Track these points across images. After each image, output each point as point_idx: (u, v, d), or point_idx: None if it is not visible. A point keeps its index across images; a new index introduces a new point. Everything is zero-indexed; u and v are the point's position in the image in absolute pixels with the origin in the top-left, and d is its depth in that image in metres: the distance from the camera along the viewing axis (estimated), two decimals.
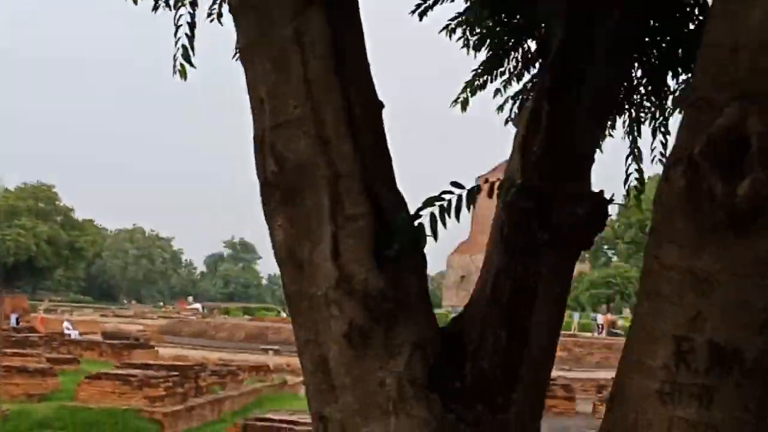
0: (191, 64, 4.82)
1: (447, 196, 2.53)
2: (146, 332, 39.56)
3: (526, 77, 4.91)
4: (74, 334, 39.57)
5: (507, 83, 5.16)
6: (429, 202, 2.50)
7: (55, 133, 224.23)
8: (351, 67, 2.59)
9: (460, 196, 2.54)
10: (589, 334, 57.20)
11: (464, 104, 5.41)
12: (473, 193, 2.60)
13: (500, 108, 5.36)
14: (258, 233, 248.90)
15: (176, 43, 4.93)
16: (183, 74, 4.78)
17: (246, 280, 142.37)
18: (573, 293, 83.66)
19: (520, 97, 5.07)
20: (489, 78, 5.14)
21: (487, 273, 2.70)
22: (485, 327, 2.61)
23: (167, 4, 4.99)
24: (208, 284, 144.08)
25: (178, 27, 4.93)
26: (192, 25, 4.87)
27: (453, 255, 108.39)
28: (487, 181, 2.91)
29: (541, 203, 2.60)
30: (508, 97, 5.33)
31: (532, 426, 2.69)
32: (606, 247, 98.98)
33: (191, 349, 37.28)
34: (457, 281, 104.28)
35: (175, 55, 4.92)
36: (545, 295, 2.64)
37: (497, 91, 5.24)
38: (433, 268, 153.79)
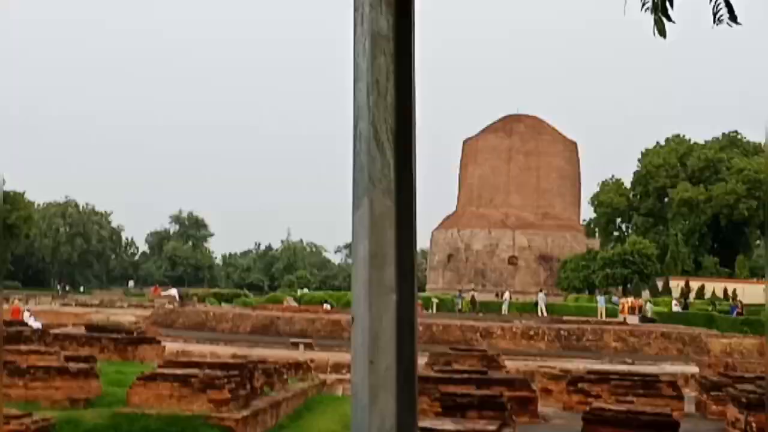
0: (670, 19, 4.54)
1: None
2: (139, 324, 38.91)
3: None
4: (36, 326, 38.86)
5: None
6: None
7: None
8: None
9: None
10: (618, 319, 57.39)
11: None
12: None
13: None
14: (209, 206, 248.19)
15: None
16: (662, 31, 4.50)
17: (197, 261, 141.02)
18: (583, 273, 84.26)
19: None
20: None
21: None
22: None
23: None
24: (152, 266, 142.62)
25: None
26: None
27: (438, 231, 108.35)
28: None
29: None
30: None
31: None
32: (619, 219, 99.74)
33: (195, 343, 36.77)
34: (443, 261, 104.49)
35: (651, 8, 4.62)
36: None
37: None
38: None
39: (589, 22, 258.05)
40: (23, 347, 24.19)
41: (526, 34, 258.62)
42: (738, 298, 72.18)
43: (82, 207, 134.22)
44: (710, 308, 66.26)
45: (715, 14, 4.70)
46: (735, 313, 62.56)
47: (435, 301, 70.23)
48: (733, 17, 4.66)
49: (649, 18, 4.61)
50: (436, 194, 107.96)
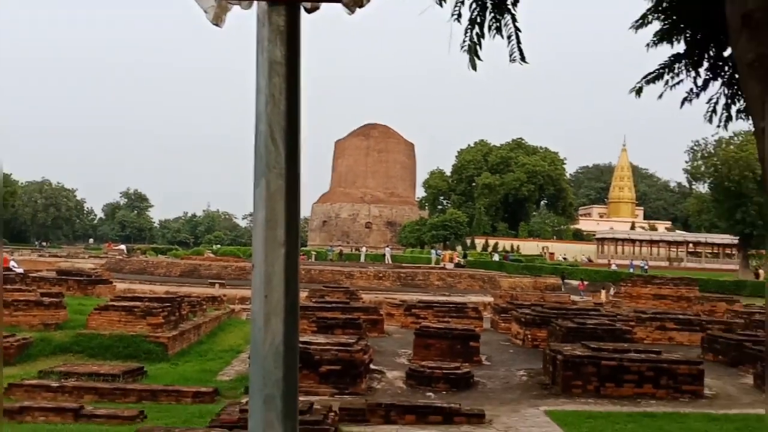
0: (479, 57, 4.65)
1: None
2: (97, 270, 37.45)
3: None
4: (19, 271, 37.00)
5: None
6: None
7: None
8: None
9: None
10: (440, 265, 58.14)
11: (639, 91, 5.37)
12: None
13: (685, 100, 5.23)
14: (150, 185, 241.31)
15: (463, 40, 4.71)
16: (474, 66, 4.61)
17: (140, 224, 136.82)
18: (417, 234, 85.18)
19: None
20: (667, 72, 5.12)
21: None
22: None
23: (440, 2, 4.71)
24: (107, 228, 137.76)
25: (474, 24, 4.73)
26: (481, 25, 4.73)
27: (316, 204, 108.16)
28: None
29: None
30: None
31: None
32: (442, 197, 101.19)
33: (139, 283, 35.71)
34: (319, 225, 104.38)
35: (467, 50, 4.70)
36: None
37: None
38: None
39: (427, 60, 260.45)
40: (9, 287, 23.09)
41: (383, 62, 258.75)
42: (507, 251, 74.80)
43: (55, 184, 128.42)
44: (488, 257, 68.48)
45: (510, 55, 4.75)
46: (509, 259, 64.94)
47: (314, 253, 70.00)
48: (522, 57, 4.72)
49: (465, 56, 4.65)
50: (316, 179, 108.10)
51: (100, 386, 13.00)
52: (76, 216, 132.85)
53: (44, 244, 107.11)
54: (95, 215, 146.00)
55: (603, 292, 39.98)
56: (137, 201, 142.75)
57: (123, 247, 74.12)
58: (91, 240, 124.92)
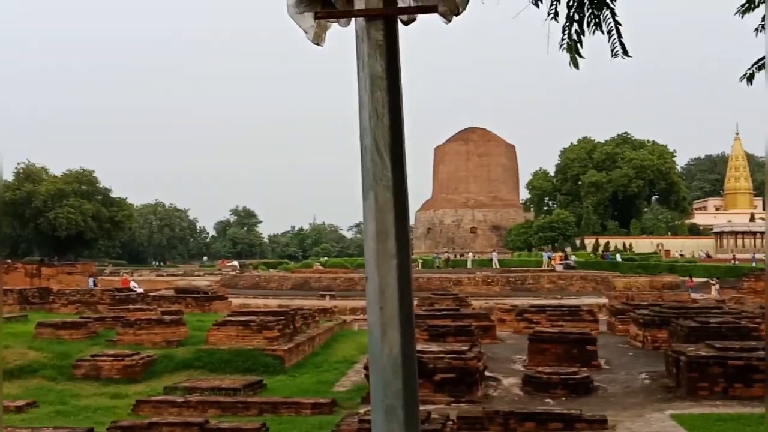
0: (581, 55, 4.54)
1: None
2: (213, 286, 38.79)
3: None
4: (139, 291, 38.69)
5: None
6: None
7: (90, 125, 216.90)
8: None
9: None
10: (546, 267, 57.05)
11: (750, 78, 5.21)
12: None
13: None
14: (258, 201, 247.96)
15: (562, 39, 4.61)
16: (575, 65, 4.50)
17: (251, 240, 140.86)
18: (523, 236, 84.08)
19: None
20: None
21: None
22: None
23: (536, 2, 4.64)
24: (219, 246, 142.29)
25: (572, 22, 4.62)
26: (580, 22, 4.61)
27: (420, 212, 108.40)
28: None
29: None
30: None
31: None
32: (547, 198, 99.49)
33: (252, 298, 36.71)
34: (424, 233, 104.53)
35: (567, 48, 4.60)
36: None
37: None
38: None
39: (521, 59, 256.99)
40: (131, 306, 24.24)
41: (485, 65, 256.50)
42: (608, 250, 72.45)
43: (168, 206, 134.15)
44: (592, 257, 66.93)
45: (612, 50, 4.66)
46: (608, 258, 63.20)
47: (420, 261, 70.08)
48: (625, 52, 4.63)
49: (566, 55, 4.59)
50: (418, 186, 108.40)
51: (223, 400, 13.45)
52: (189, 235, 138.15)
53: (160, 263, 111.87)
54: (207, 233, 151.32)
55: (712, 288, 38.20)
56: (246, 217, 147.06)
57: (236, 263, 76.23)
58: (204, 258, 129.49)
